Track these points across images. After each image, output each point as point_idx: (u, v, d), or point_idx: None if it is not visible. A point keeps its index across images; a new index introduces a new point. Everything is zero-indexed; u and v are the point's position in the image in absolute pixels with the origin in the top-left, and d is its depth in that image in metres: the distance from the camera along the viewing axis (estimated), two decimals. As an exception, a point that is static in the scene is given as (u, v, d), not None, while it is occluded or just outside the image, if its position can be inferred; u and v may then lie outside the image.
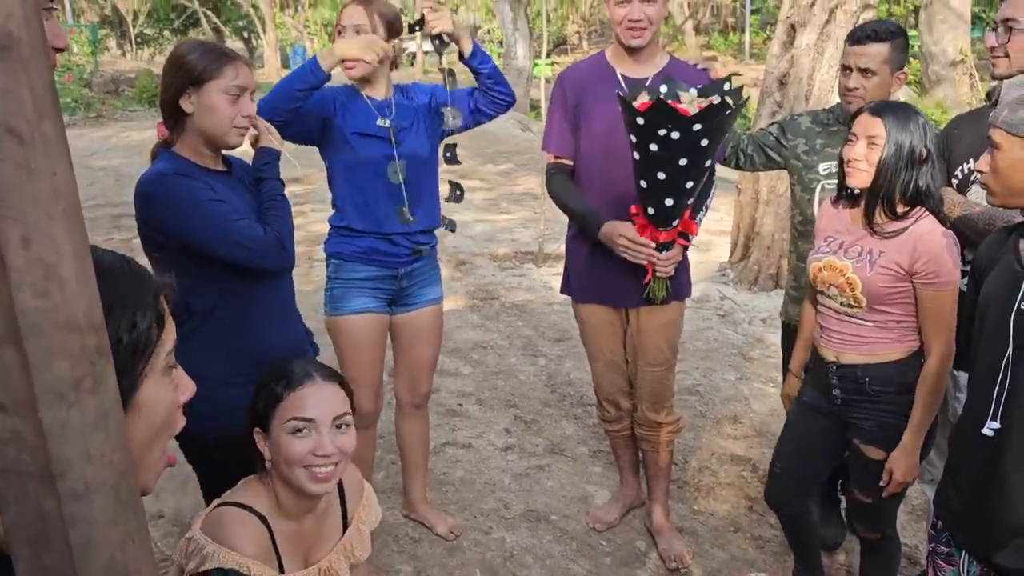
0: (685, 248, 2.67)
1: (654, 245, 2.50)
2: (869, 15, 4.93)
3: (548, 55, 21.21)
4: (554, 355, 4.65)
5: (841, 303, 2.15)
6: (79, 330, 0.56)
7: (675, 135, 2.24)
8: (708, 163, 2.37)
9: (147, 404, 0.77)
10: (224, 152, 2.05)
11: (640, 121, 2.27)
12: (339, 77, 2.49)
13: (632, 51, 2.58)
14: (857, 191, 2.13)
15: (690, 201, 2.45)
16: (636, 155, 2.37)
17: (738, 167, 2.89)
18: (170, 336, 0.82)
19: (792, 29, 5.07)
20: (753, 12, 29.01)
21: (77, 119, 14.96)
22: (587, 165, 2.68)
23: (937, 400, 2.08)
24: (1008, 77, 2.20)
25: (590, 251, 2.71)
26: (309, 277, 5.65)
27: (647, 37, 2.53)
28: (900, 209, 2.06)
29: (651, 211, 2.44)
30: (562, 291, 2.93)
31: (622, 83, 2.58)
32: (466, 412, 3.97)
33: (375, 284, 2.66)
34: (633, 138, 2.34)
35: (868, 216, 2.07)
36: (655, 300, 2.63)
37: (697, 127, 2.23)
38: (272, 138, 2.11)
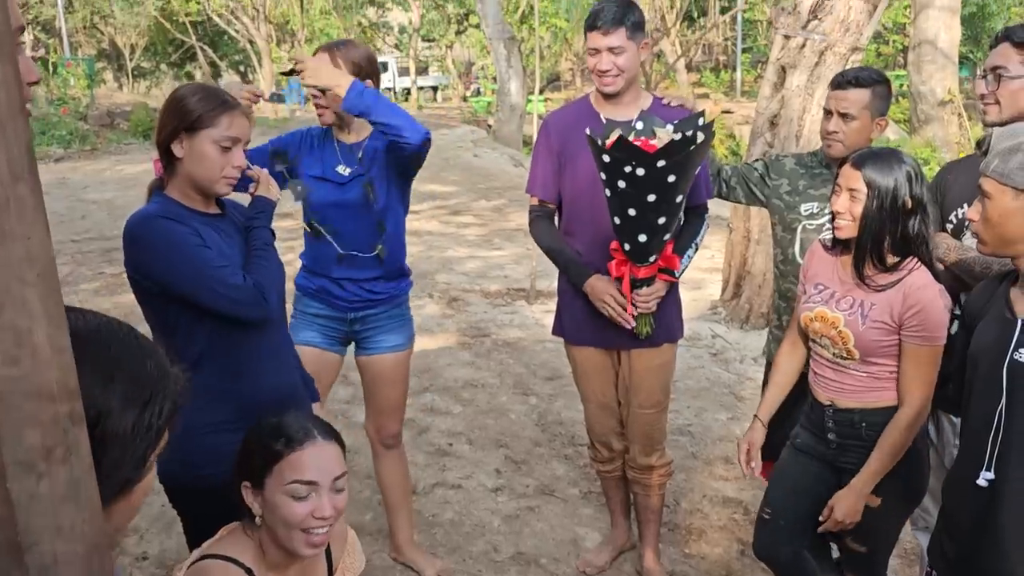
0: (673, 286, 2.67)
1: (629, 299, 2.55)
2: (858, 58, 4.99)
3: (542, 92, 21.45)
4: (545, 394, 4.62)
5: (834, 354, 2.14)
6: (51, 398, 0.54)
7: (640, 171, 2.26)
8: (679, 199, 2.37)
9: (143, 487, 0.78)
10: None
11: (606, 159, 2.30)
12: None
13: (609, 96, 2.62)
14: (845, 240, 2.12)
15: (666, 237, 2.45)
16: (607, 192, 2.39)
17: (720, 196, 2.90)
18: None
19: (782, 71, 5.13)
20: (744, 51, 29.44)
21: (72, 152, 14.98)
22: (573, 207, 2.70)
23: (899, 453, 2.04)
24: (1000, 124, 2.22)
25: (580, 292, 2.71)
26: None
27: (619, 84, 2.56)
28: (890, 260, 2.04)
29: (627, 247, 2.46)
30: (554, 332, 2.91)
31: (605, 126, 2.60)
32: (456, 452, 3.93)
33: (325, 322, 2.72)
34: (603, 175, 2.36)
35: (858, 268, 2.06)
36: (639, 336, 2.63)
37: (661, 163, 2.25)
38: (270, 188, 2.10)
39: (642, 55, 2.62)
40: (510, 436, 4.10)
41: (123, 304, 6.11)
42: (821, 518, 2.15)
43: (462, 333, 5.67)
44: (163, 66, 33.15)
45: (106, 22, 29.64)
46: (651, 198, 2.31)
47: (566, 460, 3.87)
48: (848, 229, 2.04)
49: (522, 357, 5.20)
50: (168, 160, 1.92)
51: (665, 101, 2.71)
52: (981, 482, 1.60)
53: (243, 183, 2.06)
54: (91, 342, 0.76)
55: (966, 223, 2.30)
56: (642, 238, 2.41)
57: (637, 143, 2.28)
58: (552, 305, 6.12)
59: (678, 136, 2.26)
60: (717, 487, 3.63)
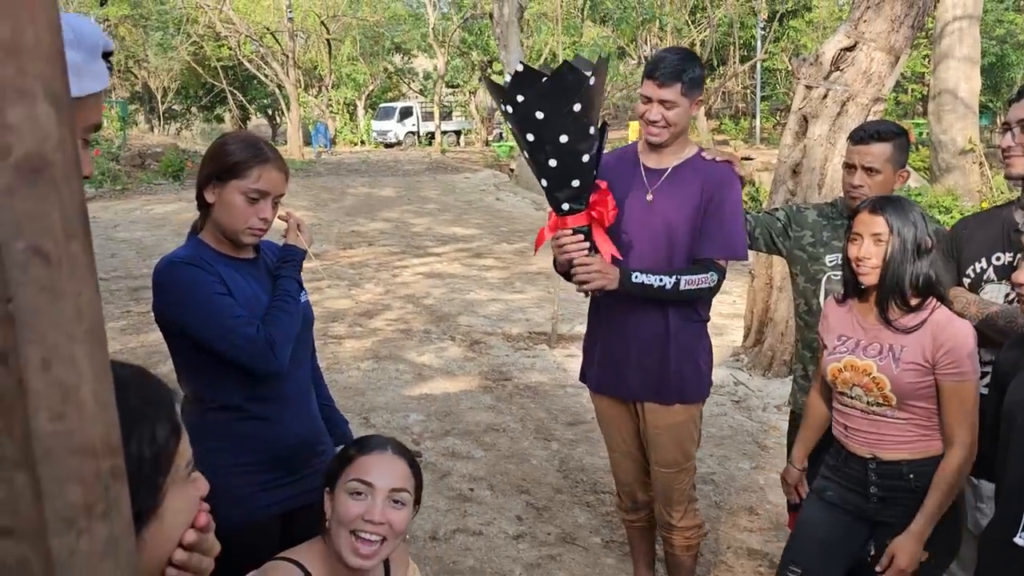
0: (696, 347, 2.60)
1: (570, 231, 2.40)
2: (880, 108, 5.01)
3: (564, 137, 21.61)
4: (567, 439, 4.59)
5: (868, 403, 2.11)
6: (94, 454, 0.55)
7: (509, 108, 2.23)
8: (564, 139, 2.25)
9: (170, 513, 0.77)
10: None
11: (509, 109, 2.25)
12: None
13: (653, 145, 2.61)
14: (865, 287, 2.12)
15: (575, 183, 2.34)
16: (526, 154, 2.34)
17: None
18: (186, 445, 0.82)
19: (804, 120, 5.15)
20: (763, 99, 29.62)
21: (103, 191, 15.29)
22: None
23: (952, 495, 2.01)
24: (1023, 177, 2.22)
25: (602, 342, 2.71)
26: (323, 353, 5.65)
27: (664, 137, 2.52)
28: (913, 301, 2.05)
29: (565, 207, 2.38)
30: (581, 379, 2.90)
31: (643, 174, 2.61)
32: (477, 498, 3.90)
33: None
34: (515, 133, 2.32)
35: (883, 312, 2.06)
36: (587, 296, 2.53)
37: (520, 98, 2.19)
38: (302, 237, 2.08)
39: (694, 111, 2.56)
40: (532, 482, 4.07)
41: (149, 343, 6.17)
42: (879, 568, 2.08)
43: (484, 376, 5.66)
44: (194, 109, 33.87)
45: (140, 65, 30.41)
46: (529, 137, 2.26)
47: (588, 508, 3.82)
48: (874, 274, 2.05)
49: (544, 402, 5.18)
50: (202, 204, 1.95)
51: (708, 155, 2.62)
52: (1019, 541, 1.56)
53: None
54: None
55: (984, 277, 2.28)
56: (544, 183, 2.36)
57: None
58: (573, 349, 6.16)
59: (520, 68, 2.21)
60: (741, 538, 3.56)
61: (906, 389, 2.03)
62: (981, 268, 2.30)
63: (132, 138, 21.45)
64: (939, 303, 2.05)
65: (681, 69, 2.46)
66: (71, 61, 0.91)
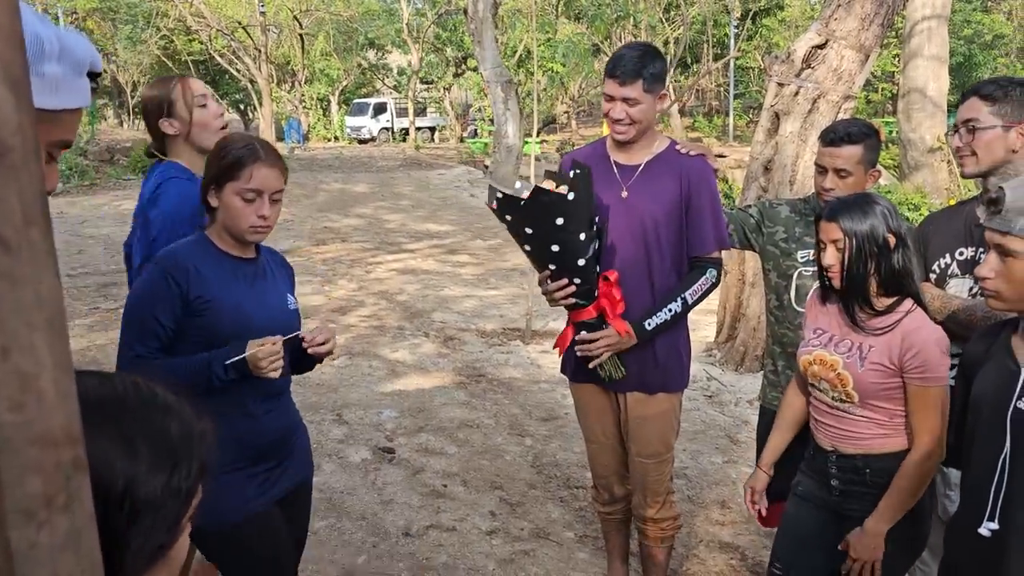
0: (676, 336, 2.65)
1: (562, 296, 2.52)
2: (850, 105, 5.06)
3: (538, 133, 21.65)
4: (541, 435, 4.60)
5: (833, 397, 2.13)
6: (55, 444, 0.54)
7: (528, 230, 2.41)
8: (555, 248, 2.41)
9: (177, 552, 0.76)
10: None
11: (508, 218, 2.43)
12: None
13: (622, 142, 2.62)
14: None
15: (577, 281, 2.47)
16: (526, 247, 2.50)
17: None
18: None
19: (776, 117, 5.19)
20: (736, 96, 29.85)
21: (71, 187, 15.06)
22: None
23: (912, 497, 2.02)
24: (978, 175, 2.27)
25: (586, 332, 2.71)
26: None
27: (631, 134, 2.55)
28: (882, 303, 2.06)
29: (571, 302, 2.53)
30: (562, 371, 2.90)
31: (615, 169, 2.62)
32: (451, 493, 3.89)
33: None
34: (517, 238, 2.49)
35: (849, 315, 2.08)
36: (606, 380, 2.62)
37: (508, 217, 2.40)
38: (272, 368, 1.89)
39: (660, 105, 2.58)
40: (505, 478, 4.07)
41: (116, 340, 6.09)
42: (847, 560, 2.10)
43: (458, 373, 5.65)
44: (163, 104, 33.43)
45: (108, 60, 29.95)
46: (527, 247, 2.46)
47: (561, 503, 3.83)
48: (839, 280, 2.07)
49: (517, 398, 5.18)
50: (208, 208, 2.00)
51: (682, 149, 2.64)
52: (984, 532, 1.58)
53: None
54: (112, 409, 0.75)
55: (949, 272, 2.32)
56: (577, 281, 2.48)
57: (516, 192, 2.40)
58: (547, 345, 6.16)
59: (499, 195, 2.37)
60: (714, 532, 3.59)
61: (869, 388, 2.04)
62: (946, 263, 2.34)
63: (101, 133, 21.14)
64: (915, 305, 2.05)
65: (641, 65, 2.47)
66: (51, 74, 0.89)
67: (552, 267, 2.46)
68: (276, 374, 1.89)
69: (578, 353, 2.57)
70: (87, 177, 15.95)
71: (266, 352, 1.86)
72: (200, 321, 1.91)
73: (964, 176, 2.32)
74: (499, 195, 2.37)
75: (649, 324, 2.52)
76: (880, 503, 2.04)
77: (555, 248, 2.40)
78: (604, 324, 2.54)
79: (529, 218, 2.38)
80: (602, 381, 2.69)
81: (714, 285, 2.61)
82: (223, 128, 2.44)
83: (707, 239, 2.58)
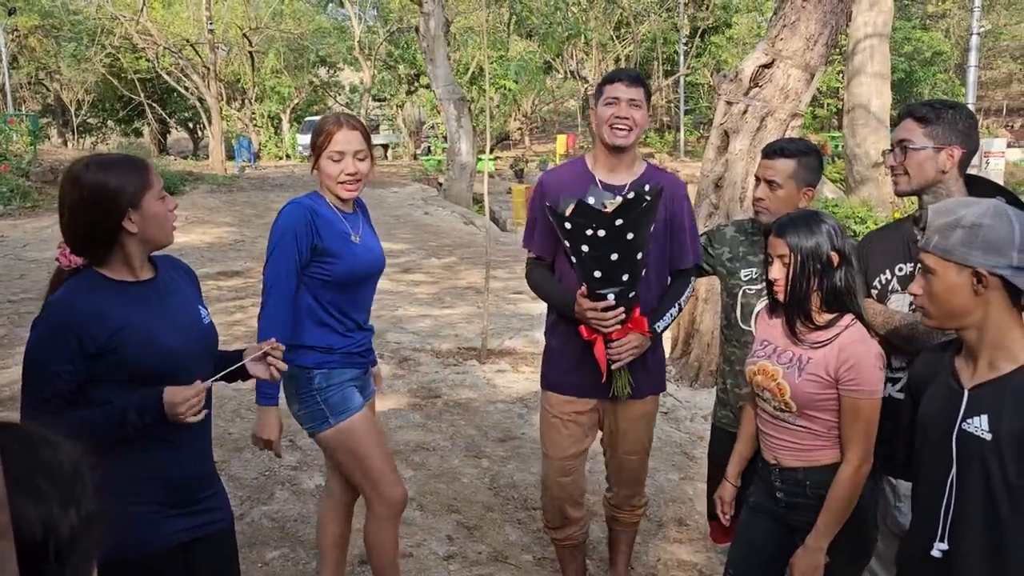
0: (656, 341, 2.79)
1: (614, 321, 2.59)
2: (797, 123, 5.17)
3: (492, 150, 21.74)
4: (498, 456, 4.57)
5: (774, 407, 2.19)
6: (-27, 511, 0.51)
7: (601, 232, 2.43)
8: (639, 256, 2.51)
9: None
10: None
11: (568, 226, 2.46)
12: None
13: (613, 155, 2.67)
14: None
15: (631, 295, 2.57)
16: (573, 259, 2.53)
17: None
18: None
19: (726, 135, 5.27)
20: (687, 112, 30.33)
21: (12, 209, 14.65)
22: (565, 264, 2.75)
23: (847, 508, 2.07)
24: (910, 193, 2.34)
25: (567, 342, 2.76)
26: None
27: (630, 139, 2.64)
28: (822, 318, 2.11)
29: (609, 324, 2.59)
30: (543, 386, 2.91)
31: (600, 188, 2.68)
32: (407, 518, 3.83)
33: (357, 383, 2.71)
34: (567, 243, 2.52)
35: (791, 328, 2.14)
36: (620, 397, 2.71)
37: (619, 222, 2.42)
38: (195, 412, 1.88)
39: (646, 123, 2.75)
40: (462, 501, 4.03)
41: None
42: None
43: (413, 394, 5.60)
44: (110, 122, 32.80)
45: (52, 78, 29.33)
46: (614, 257, 2.47)
47: (519, 525, 3.80)
48: (784, 293, 2.14)
49: (474, 419, 5.15)
50: (96, 241, 1.90)
51: (669, 170, 2.94)
52: (936, 553, 1.61)
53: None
54: (4, 458, 0.73)
55: (889, 288, 2.38)
56: (611, 297, 2.54)
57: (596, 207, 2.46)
58: (503, 365, 6.14)
59: (631, 195, 2.43)
60: (672, 550, 3.60)
61: (804, 398, 2.10)
62: (886, 279, 2.40)
63: (44, 153, 20.64)
64: (854, 320, 2.12)
65: (641, 78, 2.71)
66: None
67: (626, 277, 2.53)
68: (196, 419, 1.84)
69: (611, 358, 2.63)
70: (29, 199, 15.52)
71: (183, 398, 1.81)
72: (113, 359, 1.84)
73: (897, 194, 2.41)
74: (631, 194, 2.47)
75: (658, 327, 2.72)
76: (818, 520, 2.09)
77: (639, 256, 2.53)
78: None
79: (639, 222, 2.46)
80: (594, 393, 2.76)
81: (691, 294, 2.87)
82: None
83: (687, 253, 2.79)
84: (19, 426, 0.79)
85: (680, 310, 2.79)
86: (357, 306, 2.71)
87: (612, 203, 2.48)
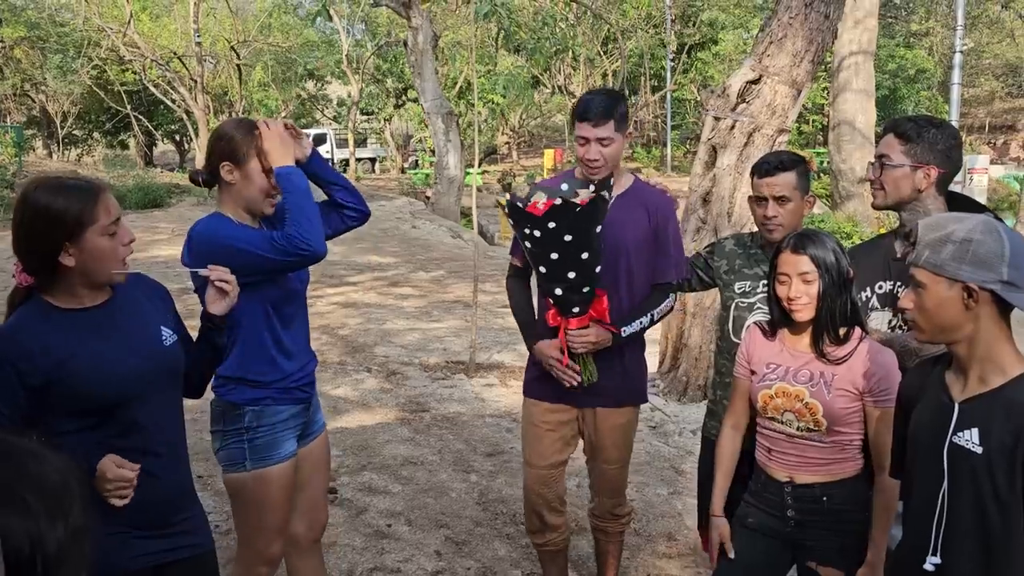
0: (637, 350, 2.84)
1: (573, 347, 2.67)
2: (784, 139, 5.20)
3: (479, 164, 21.76)
4: (486, 470, 4.55)
5: (799, 428, 2.16)
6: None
7: (536, 233, 2.49)
8: (584, 256, 2.52)
9: None
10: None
11: (511, 221, 2.54)
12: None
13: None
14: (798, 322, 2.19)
15: (585, 290, 2.60)
16: (544, 269, 2.59)
17: (679, 289, 2.96)
18: None
19: (713, 150, 5.30)
20: (673, 128, 30.52)
21: (-5, 220, 14.52)
22: None
23: (893, 514, 2.05)
24: (886, 208, 2.37)
25: None
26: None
27: (604, 172, 2.69)
28: (842, 332, 2.13)
29: (576, 310, 2.64)
30: (525, 393, 2.94)
31: (576, 178, 2.77)
32: (395, 533, 3.81)
33: (296, 422, 2.47)
34: (517, 237, 2.60)
35: (817, 345, 2.14)
36: (583, 384, 2.71)
37: (552, 225, 2.46)
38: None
39: (625, 143, 2.78)
40: (451, 516, 4.00)
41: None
42: None
43: (401, 408, 5.57)
44: (96, 134, 32.67)
45: (37, 89, 29.19)
46: (554, 256, 2.52)
47: (508, 539, 3.78)
48: (808, 310, 2.12)
49: (462, 433, 5.12)
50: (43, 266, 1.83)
51: (654, 184, 2.93)
52: (928, 567, 1.60)
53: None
54: None
55: (870, 305, 2.38)
56: (558, 291, 2.59)
57: (528, 205, 2.50)
58: (492, 379, 6.12)
59: (558, 201, 2.45)
60: (661, 565, 3.58)
61: (838, 414, 2.10)
62: (866, 297, 2.40)
63: (29, 164, 20.53)
64: (864, 334, 2.14)
65: (611, 107, 2.69)
66: None
67: (572, 275, 2.55)
68: (120, 503, 1.75)
69: (569, 343, 2.65)
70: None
71: (114, 475, 1.73)
72: (61, 389, 1.78)
73: (874, 207, 2.44)
74: (557, 203, 2.44)
75: (624, 331, 2.72)
76: (873, 534, 2.07)
77: (584, 256, 2.53)
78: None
79: (575, 225, 2.46)
80: (569, 399, 2.81)
81: (671, 309, 2.84)
82: None
83: (670, 268, 2.81)
84: (5, 438, 0.77)
85: (652, 322, 2.77)
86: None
87: (585, 194, 2.49)
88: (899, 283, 2.31)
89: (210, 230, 2.27)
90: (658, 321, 2.81)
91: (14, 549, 0.68)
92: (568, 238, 2.47)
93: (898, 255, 2.34)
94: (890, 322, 2.35)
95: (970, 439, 1.57)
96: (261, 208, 2.36)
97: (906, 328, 2.24)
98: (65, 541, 0.72)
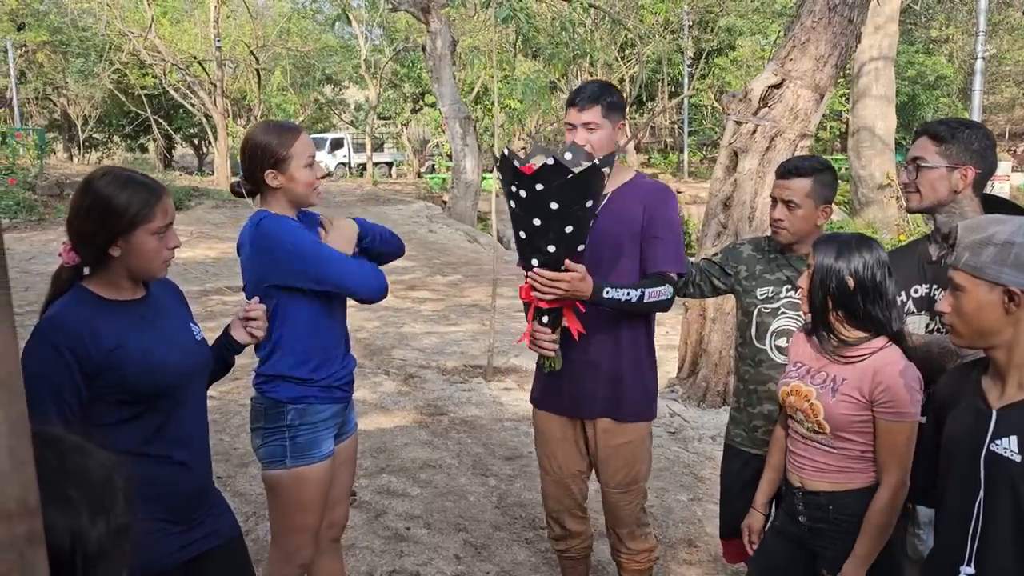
0: (642, 366, 2.68)
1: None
2: (806, 143, 5.16)
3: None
4: (505, 474, 4.53)
5: (807, 428, 2.15)
6: (8, 517, 0.49)
7: (522, 192, 2.32)
8: (568, 229, 2.34)
9: None
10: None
11: (499, 176, 2.42)
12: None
13: None
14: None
15: (563, 268, 2.40)
16: (522, 234, 2.43)
17: (688, 295, 2.93)
18: None
19: (734, 155, 5.27)
20: (691, 134, 30.41)
21: (18, 222, 14.66)
22: None
23: (885, 534, 2.03)
24: (921, 211, 2.33)
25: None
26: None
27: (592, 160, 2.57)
28: (852, 334, 2.08)
29: (527, 273, 2.49)
30: (531, 400, 2.89)
31: (580, 150, 2.64)
32: (414, 537, 3.80)
33: (335, 421, 2.48)
34: (520, 214, 2.40)
35: (819, 340, 2.13)
36: (544, 370, 2.62)
37: (539, 187, 2.28)
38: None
39: (619, 136, 2.69)
40: (469, 519, 3.99)
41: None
42: None
43: (419, 411, 5.56)
44: (116, 138, 32.94)
45: (59, 93, 29.47)
46: (536, 222, 2.35)
47: (527, 544, 3.76)
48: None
49: (480, 436, 5.11)
50: (88, 255, 1.88)
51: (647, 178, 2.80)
52: (964, 574, 1.57)
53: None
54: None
55: (905, 309, 2.35)
56: (535, 262, 2.42)
57: (523, 165, 2.35)
58: (509, 383, 6.11)
59: (551, 161, 2.29)
60: (681, 572, 3.55)
61: (839, 420, 2.06)
62: (901, 301, 2.37)
63: (50, 167, 20.72)
64: (889, 343, 2.07)
65: (599, 94, 2.61)
66: None
67: (552, 249, 2.37)
68: (260, 334, 2.11)
69: (535, 294, 2.46)
70: (35, 212, 15.53)
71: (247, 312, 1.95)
72: (110, 378, 1.81)
73: (908, 211, 2.40)
74: (549, 162, 2.28)
75: (607, 292, 2.45)
76: (856, 546, 2.04)
77: (568, 229, 2.34)
78: (562, 318, 2.52)
79: (563, 193, 2.29)
80: (569, 410, 2.71)
81: (668, 301, 2.58)
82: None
83: (667, 257, 2.61)
84: (50, 432, 0.76)
85: (642, 301, 2.49)
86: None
87: (581, 167, 2.35)
88: (935, 286, 2.28)
89: (281, 232, 2.35)
90: (648, 307, 2.54)
91: (55, 544, 0.67)
92: (554, 206, 2.29)
93: (933, 258, 2.31)
94: (927, 326, 2.31)
95: (1008, 447, 1.54)
96: (310, 200, 2.44)
97: (944, 331, 2.20)
98: (106, 538, 0.71)
